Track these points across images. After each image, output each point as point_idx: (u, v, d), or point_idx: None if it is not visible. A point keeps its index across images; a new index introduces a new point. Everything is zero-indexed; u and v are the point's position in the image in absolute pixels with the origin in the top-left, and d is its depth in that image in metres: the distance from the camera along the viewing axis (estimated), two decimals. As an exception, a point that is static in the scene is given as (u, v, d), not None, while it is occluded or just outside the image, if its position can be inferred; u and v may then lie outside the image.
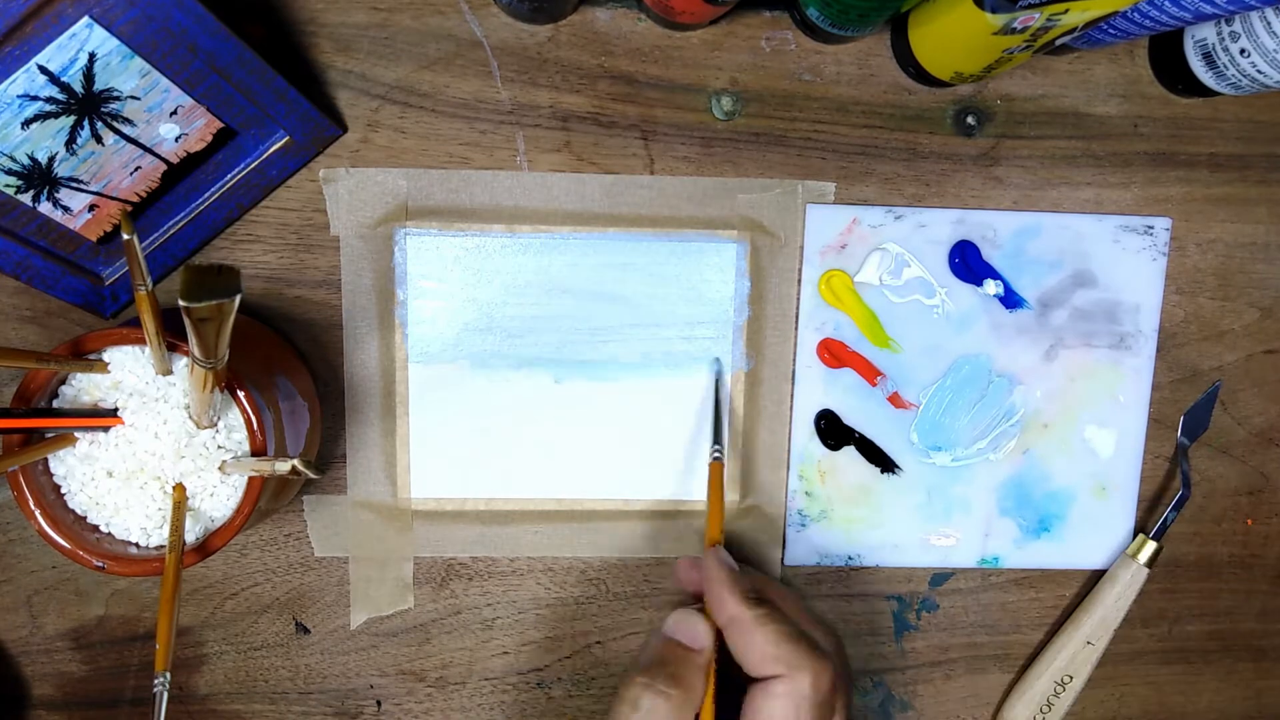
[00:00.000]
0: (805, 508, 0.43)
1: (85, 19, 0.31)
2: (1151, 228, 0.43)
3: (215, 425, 0.34)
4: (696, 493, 0.43)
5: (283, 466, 0.32)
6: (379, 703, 0.43)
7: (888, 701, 0.45)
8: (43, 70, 0.32)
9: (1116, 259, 0.43)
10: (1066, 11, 0.32)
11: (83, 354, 0.34)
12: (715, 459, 0.38)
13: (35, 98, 0.32)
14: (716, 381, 0.41)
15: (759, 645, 0.32)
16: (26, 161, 0.34)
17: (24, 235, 0.36)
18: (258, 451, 0.34)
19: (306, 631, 0.42)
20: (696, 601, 0.36)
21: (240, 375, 0.33)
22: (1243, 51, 0.37)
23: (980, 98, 0.42)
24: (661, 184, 0.41)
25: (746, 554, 0.43)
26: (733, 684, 0.33)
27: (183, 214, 0.38)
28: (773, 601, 0.34)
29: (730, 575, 0.34)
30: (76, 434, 0.34)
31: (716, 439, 0.39)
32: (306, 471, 0.32)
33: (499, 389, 0.41)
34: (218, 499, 0.35)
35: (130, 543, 0.35)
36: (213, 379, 0.31)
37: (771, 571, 0.43)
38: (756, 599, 0.33)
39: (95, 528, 0.35)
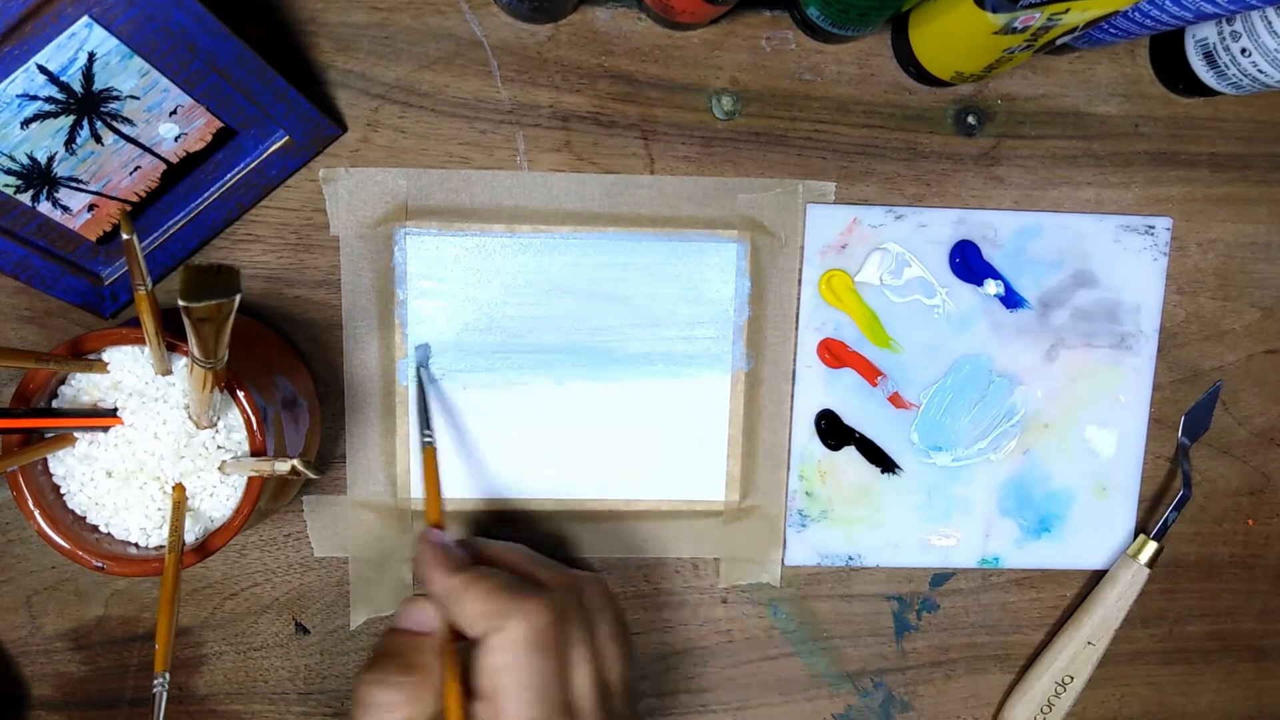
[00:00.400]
0: (806, 508, 0.43)
1: (84, 18, 0.31)
2: (1152, 227, 0.43)
3: (215, 425, 0.34)
4: (697, 493, 0.43)
5: (282, 467, 0.32)
6: (379, 703, 0.43)
7: (888, 702, 0.45)
8: (42, 70, 0.32)
9: (1117, 259, 0.43)
10: (1067, 11, 0.32)
11: (82, 354, 0.34)
12: (426, 443, 0.37)
13: (34, 97, 0.32)
14: (419, 368, 0.40)
15: (469, 607, 0.31)
16: (26, 161, 0.34)
17: (23, 235, 0.36)
18: (257, 452, 0.34)
19: (306, 632, 0.42)
20: None
21: (240, 375, 0.33)
22: (1244, 51, 0.37)
23: (981, 97, 0.42)
24: (662, 184, 0.41)
25: (742, 552, 0.43)
26: None
27: (182, 214, 0.38)
28: (488, 561, 0.33)
29: (437, 551, 0.33)
30: (76, 434, 0.34)
31: (426, 425, 0.38)
32: (306, 472, 0.32)
33: (499, 389, 0.41)
34: (217, 499, 0.35)
35: (130, 543, 0.35)
36: (212, 379, 0.31)
37: (772, 572, 0.43)
38: (462, 565, 0.32)
39: (94, 528, 0.35)
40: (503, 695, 0.30)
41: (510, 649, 0.30)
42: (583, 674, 0.32)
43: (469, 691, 0.31)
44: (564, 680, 0.31)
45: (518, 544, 0.36)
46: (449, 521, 0.42)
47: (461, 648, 0.32)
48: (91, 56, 0.32)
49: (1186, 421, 0.44)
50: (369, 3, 0.39)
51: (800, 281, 0.42)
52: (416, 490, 0.41)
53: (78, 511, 0.35)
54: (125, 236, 0.28)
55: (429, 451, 0.37)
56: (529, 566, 0.35)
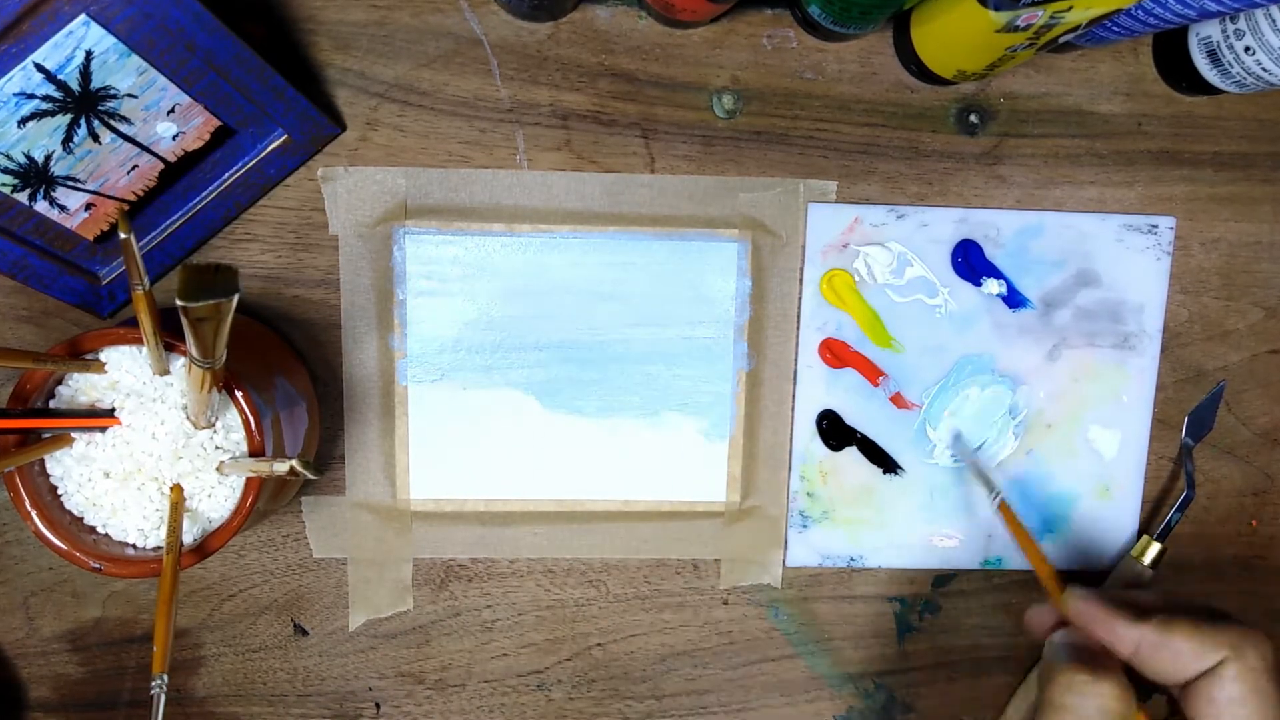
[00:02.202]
0: (807, 508, 0.43)
1: (82, 16, 0.31)
2: (1155, 227, 0.43)
3: (213, 426, 0.34)
4: (698, 494, 0.42)
5: (281, 467, 0.32)
6: (378, 705, 0.43)
7: (890, 704, 0.45)
8: (39, 68, 0.32)
9: (1120, 258, 0.42)
10: (1070, 9, 0.32)
11: (80, 354, 0.33)
12: (1000, 500, 0.39)
13: (32, 96, 0.32)
14: (970, 450, 0.42)
15: (1183, 646, 0.31)
16: (23, 160, 0.34)
17: (20, 234, 0.35)
18: (256, 452, 0.34)
19: (305, 633, 0.42)
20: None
21: (238, 375, 0.33)
22: (1247, 49, 0.37)
23: (983, 96, 0.41)
24: (662, 183, 0.40)
25: (743, 554, 0.43)
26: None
27: (180, 213, 0.38)
28: (1150, 607, 0.33)
29: (1106, 606, 0.33)
30: (73, 434, 0.34)
31: (990, 486, 0.40)
32: (305, 472, 0.32)
33: (499, 389, 0.41)
34: (215, 500, 0.34)
35: (127, 544, 0.35)
36: (210, 379, 0.31)
37: (773, 573, 0.43)
38: (1142, 612, 0.32)
39: (92, 529, 0.35)
40: None
41: (1251, 676, 0.30)
42: None
43: None
44: None
45: (1137, 589, 0.36)
46: (448, 522, 0.42)
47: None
48: (89, 55, 0.32)
49: (1190, 422, 0.44)
50: (368, 1, 0.38)
51: (801, 281, 0.41)
52: (415, 491, 0.41)
53: (75, 512, 0.35)
54: (123, 236, 0.28)
55: (1003, 507, 0.39)
56: (1177, 606, 0.34)
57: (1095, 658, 0.32)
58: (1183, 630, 0.31)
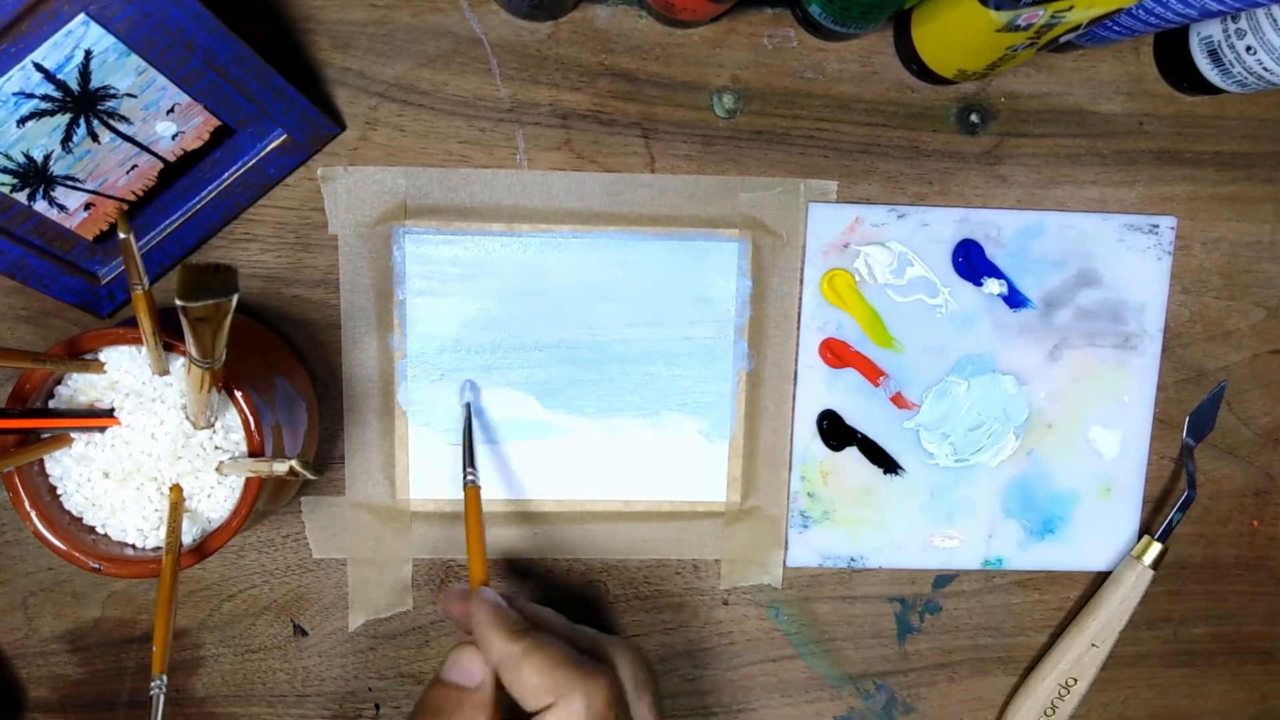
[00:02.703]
0: (807, 509, 0.43)
1: (81, 16, 0.31)
2: (1156, 226, 0.42)
3: (212, 426, 0.34)
4: (698, 494, 0.42)
5: (280, 467, 0.32)
6: (378, 706, 0.43)
7: (891, 705, 0.45)
8: (38, 67, 0.31)
9: (1121, 258, 0.42)
10: (1070, 8, 0.32)
11: (79, 354, 0.33)
12: (470, 483, 0.36)
13: (31, 95, 0.32)
14: (467, 405, 0.40)
15: (527, 678, 0.31)
16: (22, 159, 0.34)
17: (20, 234, 0.35)
18: (255, 452, 0.34)
19: (305, 634, 0.42)
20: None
21: (238, 375, 0.33)
22: (1249, 49, 0.37)
23: (984, 95, 0.41)
24: (662, 182, 0.40)
25: (743, 554, 0.43)
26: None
27: (180, 212, 0.38)
28: (543, 627, 0.33)
29: (494, 613, 0.32)
30: (73, 434, 0.34)
31: (470, 462, 0.37)
32: (304, 472, 0.32)
33: (498, 389, 0.41)
34: (215, 500, 0.34)
35: (127, 544, 0.35)
36: (210, 379, 0.31)
37: (773, 573, 0.43)
38: (523, 630, 0.32)
39: (91, 529, 0.35)
40: None
41: None
42: None
43: None
44: None
45: (551, 610, 0.36)
46: (448, 523, 0.42)
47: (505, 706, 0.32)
48: (88, 54, 0.32)
49: (1191, 422, 0.44)
50: (367, 0, 0.38)
51: (802, 281, 0.41)
52: (415, 491, 0.41)
53: (74, 512, 0.34)
54: (122, 235, 0.28)
55: (472, 492, 0.36)
56: (569, 634, 0.34)
57: (445, 713, 0.31)
58: (535, 662, 0.31)
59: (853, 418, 0.42)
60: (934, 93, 0.41)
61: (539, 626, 0.33)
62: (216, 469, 0.34)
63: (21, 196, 0.34)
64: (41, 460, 0.34)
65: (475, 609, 0.33)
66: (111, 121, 0.34)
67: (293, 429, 0.36)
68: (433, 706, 0.32)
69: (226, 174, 0.38)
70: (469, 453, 0.38)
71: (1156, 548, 0.43)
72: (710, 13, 0.38)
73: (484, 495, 0.42)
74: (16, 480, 0.33)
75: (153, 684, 0.30)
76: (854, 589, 0.44)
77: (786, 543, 0.43)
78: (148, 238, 0.38)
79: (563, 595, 0.43)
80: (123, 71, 0.33)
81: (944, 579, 0.44)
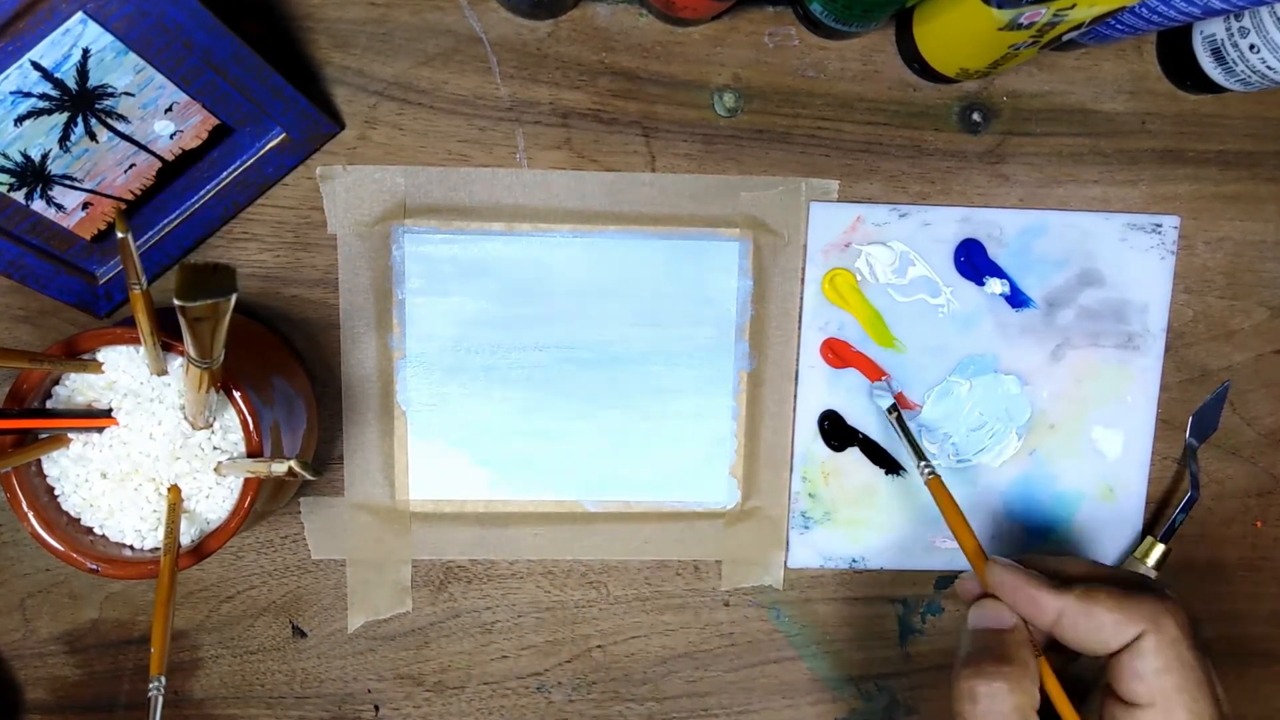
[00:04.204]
0: (809, 509, 0.43)
1: (79, 14, 0.31)
2: (1159, 226, 0.42)
3: (211, 426, 0.34)
4: (698, 495, 0.42)
5: (279, 468, 0.32)
6: (377, 707, 0.43)
7: (892, 707, 0.45)
8: (36, 66, 0.31)
9: (1124, 258, 0.42)
10: (1073, 7, 0.32)
11: (77, 354, 0.33)
12: (930, 476, 0.37)
13: (28, 94, 0.32)
14: (893, 407, 0.40)
15: (1103, 618, 0.31)
16: (19, 159, 0.33)
17: (17, 234, 0.35)
18: (254, 453, 0.33)
19: (303, 635, 0.42)
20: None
21: (236, 375, 0.33)
22: (1252, 47, 0.37)
23: (986, 94, 0.41)
24: (663, 182, 0.40)
25: (744, 555, 0.43)
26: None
27: (178, 212, 0.38)
28: (1076, 576, 0.33)
29: (1026, 575, 0.33)
30: (70, 435, 0.34)
31: (922, 456, 0.38)
32: (303, 473, 0.31)
33: (498, 389, 0.41)
34: (213, 501, 0.34)
35: (125, 545, 0.35)
36: (208, 379, 0.31)
37: (775, 574, 0.43)
38: (1064, 582, 0.32)
39: (89, 530, 0.34)
40: (1176, 696, 0.30)
41: (1171, 648, 0.30)
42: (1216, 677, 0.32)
43: (1104, 704, 0.32)
44: (1213, 682, 0.31)
45: (1068, 553, 0.36)
46: (447, 523, 0.41)
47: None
48: (86, 53, 0.32)
49: (1194, 422, 0.44)
50: (367, -1, 0.38)
51: (803, 280, 0.41)
52: (415, 492, 0.41)
53: (72, 513, 0.34)
54: (120, 235, 0.28)
55: (934, 482, 0.37)
56: (1102, 574, 0.34)
57: (994, 650, 0.32)
58: (1104, 602, 0.31)
59: (854, 418, 0.42)
60: (936, 91, 0.41)
61: (1070, 575, 0.33)
62: (215, 469, 0.34)
63: (19, 196, 0.34)
64: (39, 461, 0.34)
65: (1003, 576, 0.33)
66: (109, 120, 0.34)
67: (291, 429, 0.36)
68: (976, 648, 0.33)
69: (225, 173, 0.37)
70: (917, 447, 0.39)
71: (1159, 548, 0.43)
72: (711, 11, 0.38)
73: (484, 495, 0.41)
74: (14, 481, 0.33)
75: (151, 685, 0.30)
76: (855, 590, 0.44)
77: (788, 543, 0.43)
78: (146, 237, 0.38)
79: (563, 597, 0.43)
80: (121, 70, 0.33)
81: (946, 580, 0.44)
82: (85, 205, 0.36)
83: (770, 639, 0.44)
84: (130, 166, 0.36)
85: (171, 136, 0.35)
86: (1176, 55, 0.41)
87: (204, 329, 0.28)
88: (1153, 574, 0.43)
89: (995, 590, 0.34)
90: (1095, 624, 0.31)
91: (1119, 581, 0.32)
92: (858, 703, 0.45)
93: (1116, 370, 0.43)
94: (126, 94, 0.33)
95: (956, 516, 0.36)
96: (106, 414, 0.33)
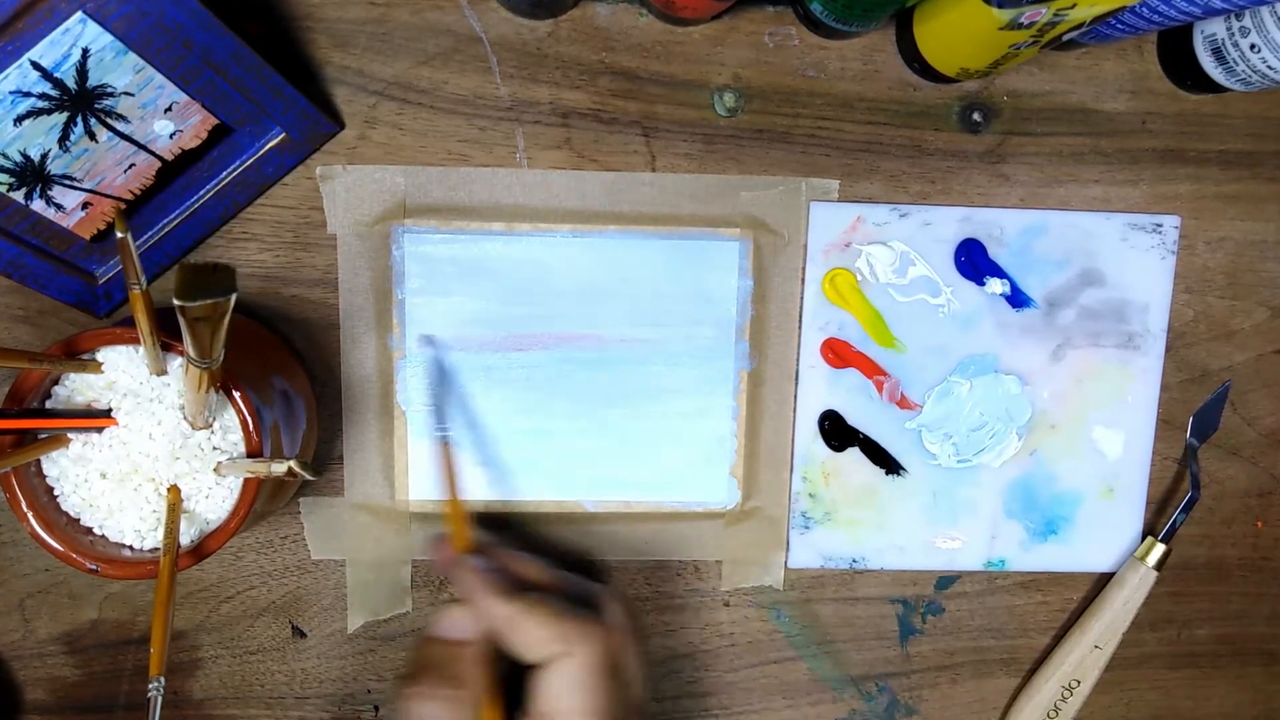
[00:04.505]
0: (809, 510, 0.42)
1: (79, 14, 0.31)
2: (1160, 226, 0.42)
3: (210, 426, 0.34)
4: (698, 494, 0.42)
5: (279, 468, 0.32)
6: (376, 707, 0.43)
7: (893, 707, 0.45)
8: (35, 66, 0.31)
9: (1125, 257, 0.42)
10: (1074, 6, 0.31)
11: (76, 354, 0.33)
12: (441, 438, 0.36)
13: (28, 94, 0.32)
14: (434, 359, 0.40)
15: (532, 633, 0.32)
16: (19, 158, 0.33)
17: (16, 233, 0.35)
18: (254, 453, 0.33)
19: (303, 635, 0.42)
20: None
21: (236, 375, 0.33)
22: (1253, 47, 0.37)
23: (986, 94, 0.41)
24: (663, 181, 0.40)
25: (744, 555, 0.43)
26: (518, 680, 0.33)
27: (177, 212, 0.38)
28: (537, 585, 0.34)
29: (484, 578, 0.33)
30: (70, 435, 0.33)
31: (440, 418, 0.36)
32: (303, 473, 0.31)
33: (498, 389, 0.41)
34: (213, 501, 0.34)
35: (124, 545, 0.34)
36: (208, 379, 0.30)
37: (775, 575, 0.43)
38: (517, 590, 0.33)
39: (89, 530, 0.34)
40: (571, 717, 0.31)
41: (577, 674, 0.31)
42: (633, 695, 0.33)
43: (523, 711, 0.32)
44: (624, 703, 0.32)
45: (533, 555, 0.36)
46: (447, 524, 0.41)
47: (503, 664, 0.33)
48: (85, 52, 0.32)
49: (1195, 422, 0.44)
50: (367, -2, 0.38)
51: (803, 280, 0.41)
52: (415, 492, 0.41)
53: (71, 513, 0.34)
54: (119, 235, 0.28)
55: (444, 447, 0.36)
56: (559, 584, 0.35)
57: (443, 666, 0.32)
58: (538, 617, 0.32)
59: (854, 418, 0.42)
60: (936, 91, 0.41)
61: (527, 583, 0.34)
62: (214, 469, 0.34)
63: (18, 195, 0.34)
64: (39, 461, 0.34)
65: (462, 576, 0.34)
66: (109, 120, 0.34)
67: (291, 429, 0.36)
68: (427, 661, 0.32)
69: (224, 173, 0.37)
70: (439, 406, 0.37)
71: (1160, 549, 0.43)
72: (711, 10, 0.38)
73: (484, 496, 0.41)
74: (13, 481, 0.33)
75: (150, 686, 0.30)
76: (856, 590, 0.44)
77: (788, 544, 0.43)
78: (145, 237, 0.38)
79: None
80: (120, 70, 0.32)
81: (946, 580, 0.44)
82: (85, 205, 0.36)
83: (770, 639, 0.44)
84: (130, 166, 0.36)
85: (171, 136, 0.35)
86: (1177, 55, 0.41)
87: (203, 329, 0.28)
88: (1153, 575, 0.43)
89: (457, 585, 0.34)
90: (524, 637, 0.32)
91: (569, 596, 0.33)
92: (858, 703, 0.45)
93: (1117, 370, 0.43)
94: (126, 94, 0.33)
95: (454, 490, 0.36)
96: (106, 414, 0.33)
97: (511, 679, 0.33)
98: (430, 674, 0.32)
